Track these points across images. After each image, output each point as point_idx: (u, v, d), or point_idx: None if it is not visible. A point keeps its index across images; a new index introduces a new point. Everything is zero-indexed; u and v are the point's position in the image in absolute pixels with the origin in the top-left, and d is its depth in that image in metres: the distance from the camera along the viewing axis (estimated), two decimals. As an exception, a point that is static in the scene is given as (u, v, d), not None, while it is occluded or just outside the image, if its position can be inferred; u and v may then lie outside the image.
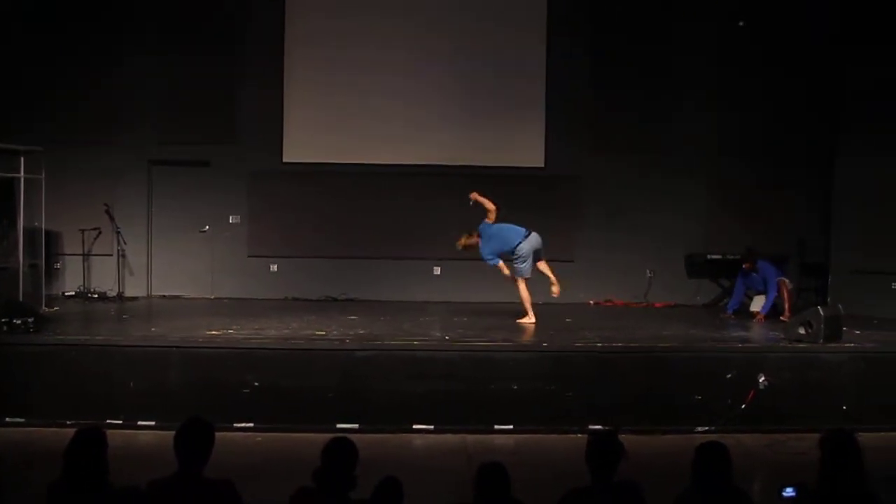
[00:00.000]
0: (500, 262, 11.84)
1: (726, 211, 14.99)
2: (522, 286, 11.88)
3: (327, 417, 9.15)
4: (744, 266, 13.18)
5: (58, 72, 14.64)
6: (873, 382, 9.92)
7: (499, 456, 5.55)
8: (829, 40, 14.68)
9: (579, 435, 8.05)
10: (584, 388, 9.65)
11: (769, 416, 9.55)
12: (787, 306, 12.67)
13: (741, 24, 14.81)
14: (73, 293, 14.54)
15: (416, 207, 15.01)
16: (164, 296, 14.94)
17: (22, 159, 12.42)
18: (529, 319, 11.93)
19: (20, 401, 9.39)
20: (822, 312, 10.18)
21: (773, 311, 12.78)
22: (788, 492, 4.51)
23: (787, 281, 12.99)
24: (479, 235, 11.86)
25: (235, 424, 9.15)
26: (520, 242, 11.69)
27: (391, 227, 14.94)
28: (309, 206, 15.03)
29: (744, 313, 13.33)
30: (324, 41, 15.06)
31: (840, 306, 11.41)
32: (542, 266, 12.02)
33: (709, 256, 14.83)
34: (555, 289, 11.93)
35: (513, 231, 11.82)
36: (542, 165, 15.17)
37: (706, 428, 9.38)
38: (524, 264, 11.74)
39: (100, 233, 14.53)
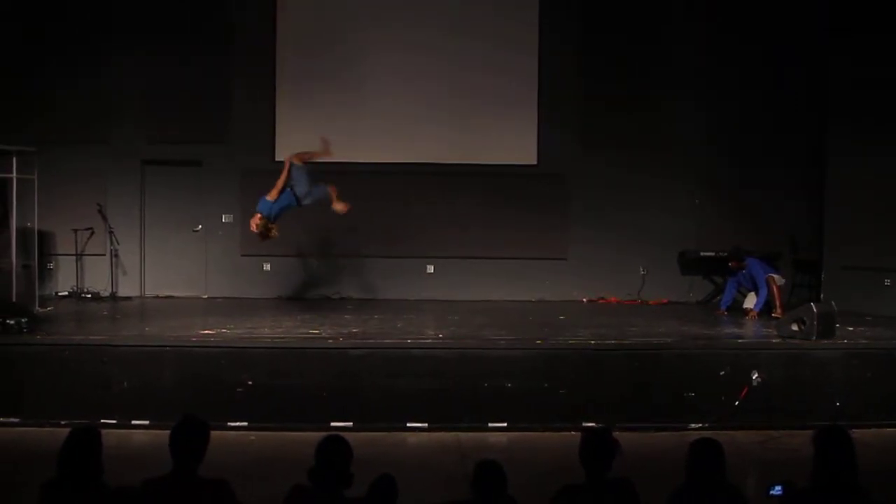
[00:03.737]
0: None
1: (719, 208, 15.01)
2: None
3: (321, 416, 9.18)
4: (730, 264, 13.17)
5: (50, 72, 14.57)
6: (866, 379, 9.96)
7: (492, 453, 5.56)
8: (818, 34, 14.67)
9: (573, 432, 8.02)
10: (577, 386, 9.68)
11: (762, 412, 9.60)
12: (777, 303, 12.61)
13: None
14: (67, 293, 14.47)
15: (408, 205, 14.98)
16: (157, 295, 14.89)
17: (14, 160, 12.35)
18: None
19: (14, 401, 9.44)
20: (814, 309, 10.20)
21: (766, 308, 12.75)
22: (776, 490, 4.53)
23: (776, 277, 12.90)
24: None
25: (229, 423, 9.16)
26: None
27: (384, 226, 14.85)
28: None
29: (737, 310, 13.32)
30: (315, 41, 15.01)
31: (833, 303, 11.44)
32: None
33: (702, 253, 14.80)
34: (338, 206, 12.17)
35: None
36: (535, 163, 15.14)
37: (700, 425, 9.42)
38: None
39: (92, 233, 14.48)
